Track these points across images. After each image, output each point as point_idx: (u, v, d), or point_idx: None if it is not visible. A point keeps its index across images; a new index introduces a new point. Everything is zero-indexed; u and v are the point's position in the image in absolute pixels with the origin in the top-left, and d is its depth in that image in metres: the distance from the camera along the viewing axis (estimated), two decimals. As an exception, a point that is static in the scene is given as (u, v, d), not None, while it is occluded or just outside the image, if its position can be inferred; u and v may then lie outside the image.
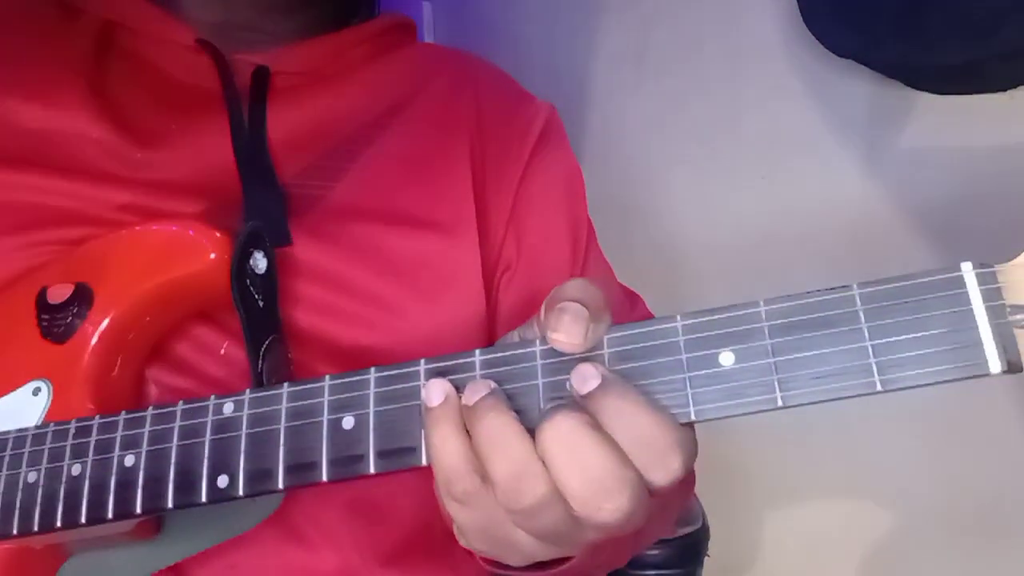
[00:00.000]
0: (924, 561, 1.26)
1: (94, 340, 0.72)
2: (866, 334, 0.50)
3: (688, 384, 0.53)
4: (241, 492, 0.60)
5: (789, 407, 0.51)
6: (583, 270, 0.96)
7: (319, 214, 0.85)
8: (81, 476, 0.64)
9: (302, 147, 0.89)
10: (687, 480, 0.53)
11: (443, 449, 0.54)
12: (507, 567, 0.64)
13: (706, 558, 1.36)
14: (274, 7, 0.95)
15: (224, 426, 0.62)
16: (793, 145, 1.39)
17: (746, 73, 1.46)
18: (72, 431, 0.66)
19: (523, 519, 0.53)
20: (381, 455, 0.58)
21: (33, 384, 0.71)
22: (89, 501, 0.63)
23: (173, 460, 0.62)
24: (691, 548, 1.33)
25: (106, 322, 0.72)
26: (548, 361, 0.56)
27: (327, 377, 0.61)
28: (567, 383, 0.54)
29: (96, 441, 0.65)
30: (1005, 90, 1.17)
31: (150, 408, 0.64)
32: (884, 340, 0.50)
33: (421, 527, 0.84)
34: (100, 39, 0.90)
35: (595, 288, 0.56)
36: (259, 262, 0.76)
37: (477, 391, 0.54)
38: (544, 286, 0.90)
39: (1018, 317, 0.49)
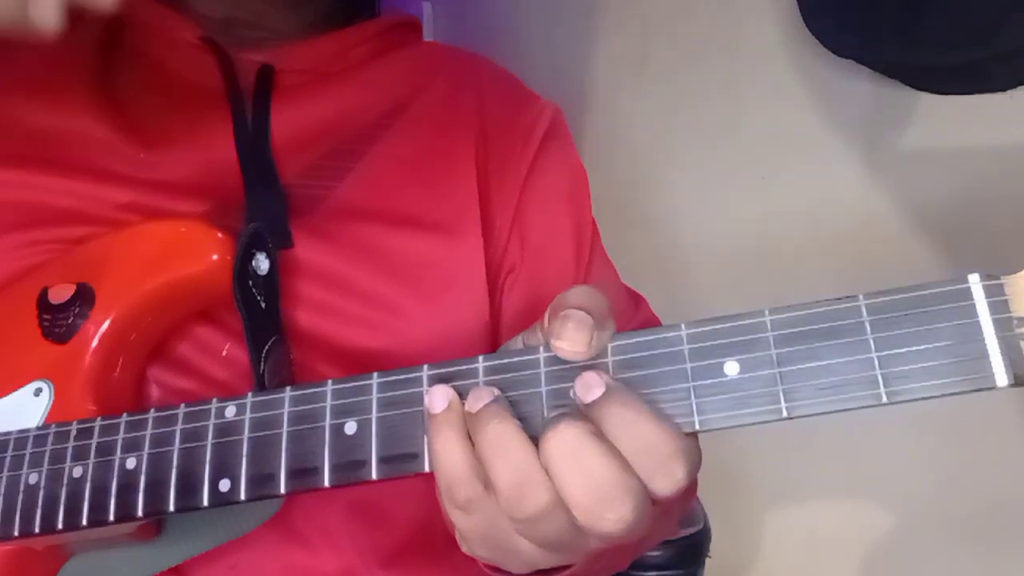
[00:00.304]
0: (925, 563, 1.26)
1: (96, 340, 0.72)
2: (872, 345, 0.50)
3: (692, 393, 0.53)
4: (243, 496, 0.60)
5: (794, 418, 0.51)
6: (587, 271, 0.96)
7: (321, 214, 0.85)
8: (83, 478, 0.64)
9: (305, 146, 0.89)
10: (689, 486, 0.53)
11: (446, 456, 0.54)
12: (508, 573, 0.64)
13: (707, 559, 1.36)
14: (279, 3, 0.95)
15: (226, 429, 0.62)
16: (793, 145, 1.39)
17: (746, 73, 1.45)
18: (74, 433, 0.66)
19: (525, 527, 0.53)
20: (383, 461, 0.58)
21: (34, 384, 0.71)
22: (90, 503, 0.63)
23: (175, 463, 0.62)
24: (692, 549, 1.33)
25: (108, 322, 0.72)
26: (552, 368, 0.56)
27: (329, 382, 0.61)
28: (571, 391, 0.54)
29: (98, 443, 0.65)
30: (1005, 90, 1.17)
31: (152, 410, 0.64)
32: (890, 352, 0.50)
33: (422, 529, 0.84)
34: (104, 36, 0.90)
35: (599, 295, 0.56)
36: (261, 263, 0.76)
37: (480, 398, 0.54)
38: (548, 287, 0.90)
39: (1025, 330, 0.49)
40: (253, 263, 0.75)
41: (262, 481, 0.60)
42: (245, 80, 0.89)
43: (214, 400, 0.63)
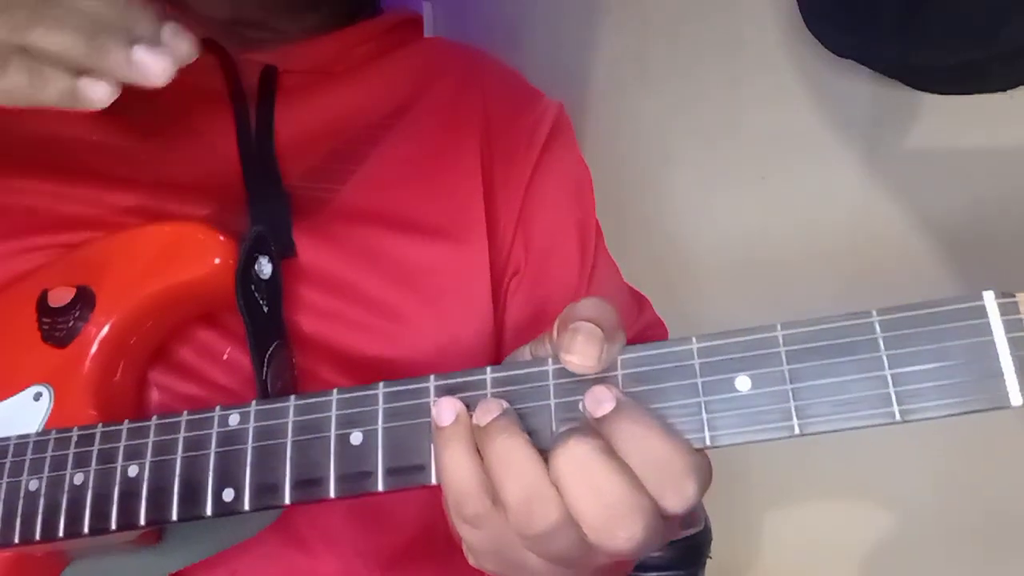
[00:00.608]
0: (926, 565, 1.27)
1: (96, 344, 0.71)
2: (885, 362, 0.50)
3: (703, 409, 0.52)
4: (247, 506, 0.59)
5: (806, 435, 0.51)
6: (592, 273, 0.96)
7: (324, 217, 0.84)
8: (84, 485, 0.63)
9: (309, 147, 0.88)
10: None
11: (454, 470, 0.54)
12: None
13: (708, 560, 1.36)
14: (283, 5, 0.94)
15: (230, 438, 0.61)
16: (793, 145, 1.38)
17: (747, 74, 1.45)
18: (74, 439, 0.65)
19: (534, 543, 0.53)
20: (390, 472, 0.57)
21: (34, 389, 0.70)
22: (92, 511, 0.63)
23: (178, 472, 0.62)
24: (693, 550, 1.33)
25: (108, 326, 0.72)
26: (560, 381, 0.55)
27: (335, 391, 0.60)
28: (580, 404, 0.54)
29: (99, 450, 0.64)
30: (1005, 90, 1.17)
31: (154, 418, 0.64)
32: (903, 369, 0.49)
33: (423, 532, 0.83)
34: None
35: (609, 307, 0.55)
36: (264, 267, 0.75)
37: (489, 411, 0.54)
38: (553, 290, 0.90)
39: (1040, 348, 0.48)
40: (256, 267, 0.75)
41: (266, 491, 0.59)
42: (248, 82, 0.89)
43: (217, 408, 0.62)
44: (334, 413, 0.59)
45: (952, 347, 0.49)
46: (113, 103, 0.85)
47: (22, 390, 0.71)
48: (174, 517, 0.61)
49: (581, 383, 0.55)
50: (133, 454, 0.63)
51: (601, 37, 1.66)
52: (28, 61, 0.62)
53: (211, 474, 0.61)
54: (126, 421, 0.64)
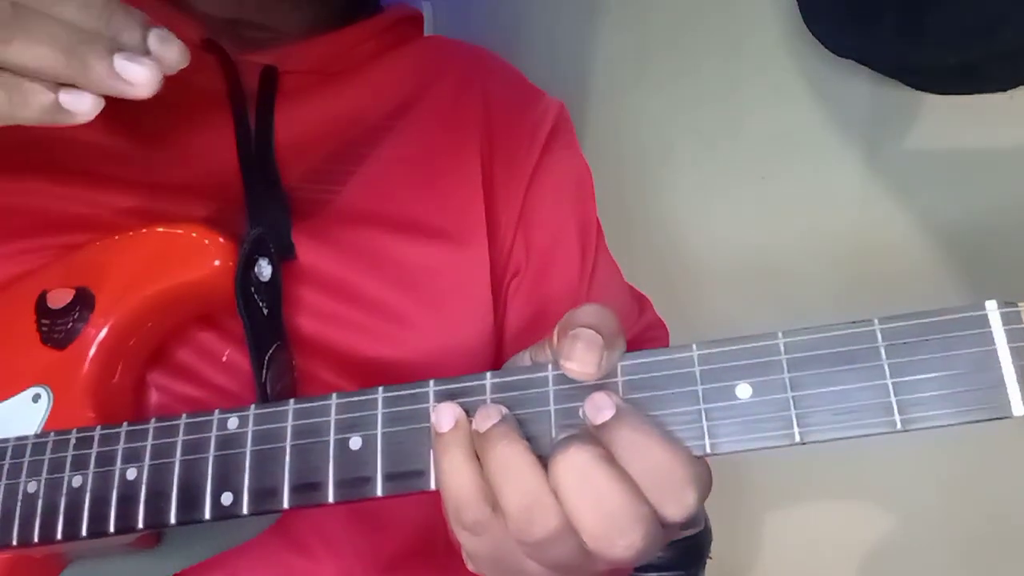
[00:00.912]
0: (926, 567, 1.27)
1: (95, 346, 0.71)
2: (887, 371, 0.50)
3: (704, 416, 0.52)
4: (246, 511, 0.59)
5: (807, 443, 0.51)
6: (592, 273, 0.96)
7: (324, 219, 0.84)
8: (82, 488, 0.63)
9: (309, 148, 0.88)
10: None
11: (453, 477, 0.54)
12: None
13: (708, 560, 1.36)
14: (284, 1, 0.94)
15: (228, 442, 0.61)
16: (793, 146, 1.39)
17: (747, 74, 1.45)
18: (73, 441, 0.65)
19: (534, 550, 0.53)
20: (389, 478, 0.57)
21: (32, 390, 0.70)
22: (90, 514, 0.63)
23: (176, 475, 0.61)
24: (693, 550, 1.33)
25: (107, 327, 0.71)
26: (560, 387, 0.55)
27: (334, 395, 0.60)
28: (580, 410, 0.54)
29: (97, 453, 0.64)
30: (1005, 90, 1.17)
31: (153, 420, 0.64)
32: (905, 378, 0.49)
33: (422, 535, 0.83)
34: None
35: (609, 313, 0.55)
36: (264, 269, 0.75)
37: (489, 417, 0.53)
38: (554, 291, 0.90)
39: (1042, 358, 0.48)
40: (255, 269, 0.74)
41: (265, 495, 0.59)
42: (248, 83, 0.88)
43: (216, 411, 0.62)
44: (333, 417, 0.59)
45: (954, 356, 0.49)
46: (113, 104, 0.85)
47: (21, 391, 0.70)
48: (172, 521, 0.61)
49: (581, 389, 0.55)
50: (131, 457, 0.63)
51: (601, 37, 1.66)
52: (6, 77, 0.60)
53: (210, 478, 0.61)
54: (124, 423, 0.64)
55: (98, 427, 0.65)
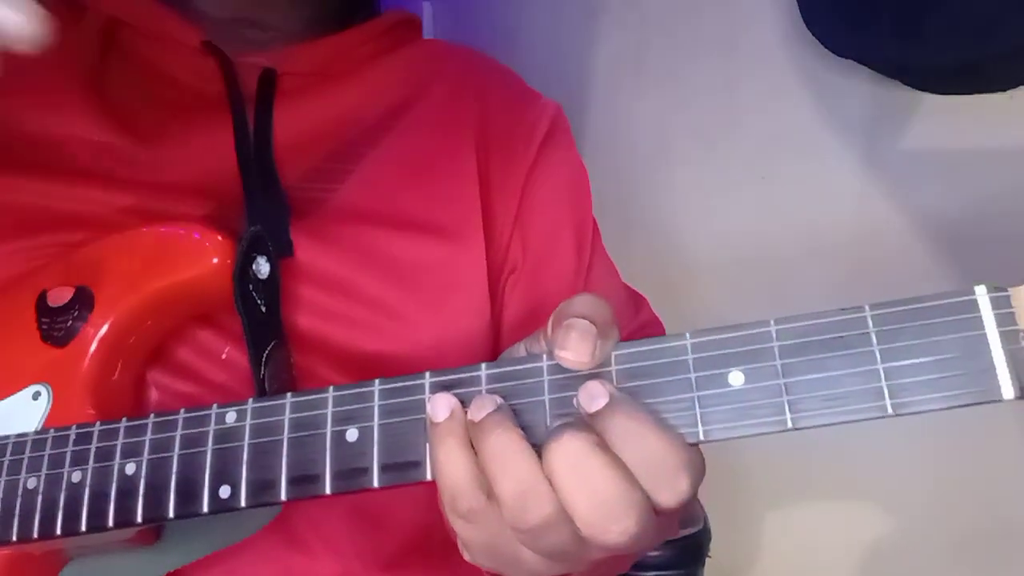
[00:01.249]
0: (925, 567, 1.27)
1: (94, 344, 0.71)
2: (878, 357, 0.50)
3: (697, 403, 0.53)
4: (244, 503, 0.60)
5: (799, 429, 0.51)
6: (588, 271, 0.96)
7: (322, 217, 0.85)
8: (81, 483, 0.64)
9: (307, 149, 0.88)
10: None
11: (448, 465, 0.54)
12: None
13: (707, 559, 1.36)
14: (283, 2, 0.95)
15: (226, 436, 0.61)
16: (793, 145, 1.39)
17: (746, 73, 1.45)
18: (72, 437, 0.65)
19: (528, 538, 0.53)
20: (385, 469, 0.57)
21: (33, 388, 0.71)
22: (89, 509, 0.63)
23: (174, 469, 0.62)
24: (692, 549, 1.33)
25: (107, 326, 0.72)
26: (555, 377, 0.56)
27: (330, 388, 0.60)
28: (574, 399, 0.54)
29: (97, 448, 0.64)
30: (1005, 90, 1.17)
31: (151, 415, 0.64)
32: (896, 363, 0.50)
33: (421, 532, 0.84)
34: (104, 38, 0.89)
35: (603, 303, 0.55)
36: (262, 267, 0.75)
37: (483, 407, 0.54)
38: (550, 288, 0.90)
39: (1032, 342, 0.48)
40: (253, 267, 0.75)
41: (263, 488, 0.59)
42: (247, 84, 0.89)
43: (214, 406, 0.62)
44: (330, 410, 0.59)
45: (944, 341, 0.49)
46: (114, 104, 0.86)
47: (21, 389, 0.71)
48: (171, 514, 0.61)
49: (575, 378, 0.55)
50: (130, 452, 0.63)
51: (600, 37, 1.67)
52: None
53: (208, 471, 0.61)
54: (123, 419, 0.65)
55: (97, 423, 0.65)
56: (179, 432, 0.63)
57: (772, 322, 0.53)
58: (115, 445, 0.64)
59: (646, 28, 1.60)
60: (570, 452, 0.50)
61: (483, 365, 0.58)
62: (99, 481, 0.63)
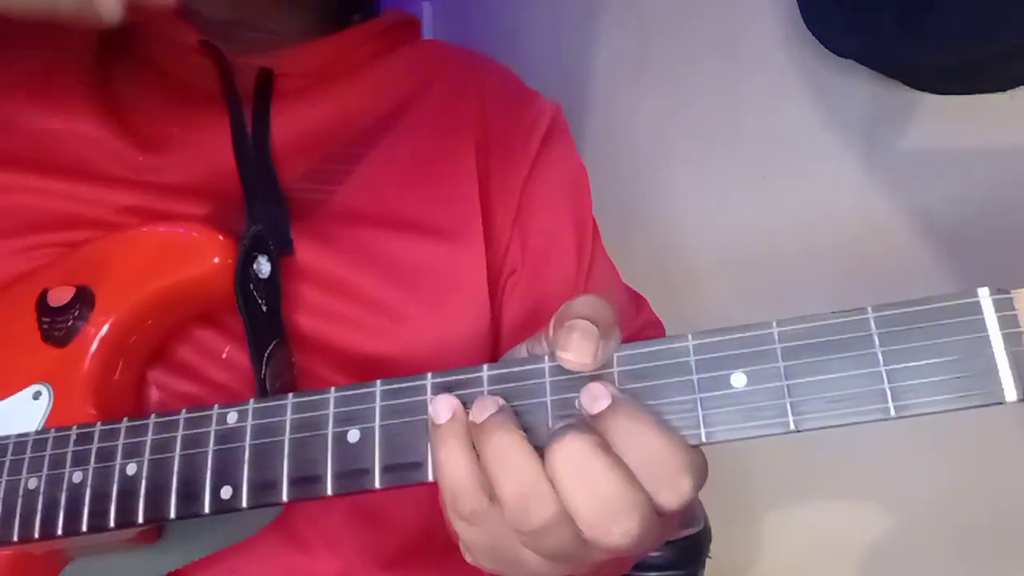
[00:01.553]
0: (926, 567, 1.26)
1: (95, 343, 0.71)
2: (880, 359, 0.50)
3: (699, 405, 0.53)
4: (245, 504, 0.60)
5: (802, 431, 0.51)
6: (589, 272, 0.96)
7: (322, 218, 0.85)
8: (82, 484, 0.64)
9: (306, 150, 0.88)
10: None
11: (450, 467, 0.54)
12: None
13: (708, 559, 1.36)
14: (281, 3, 0.95)
15: (228, 436, 0.61)
16: (793, 145, 1.39)
17: (746, 73, 1.45)
18: (73, 437, 0.65)
19: (531, 540, 0.53)
20: (387, 470, 0.57)
21: (33, 388, 0.71)
22: (90, 509, 0.63)
23: (176, 470, 0.62)
24: (693, 550, 1.33)
25: (107, 325, 0.72)
26: (557, 378, 0.56)
27: (332, 389, 0.60)
28: (576, 401, 0.54)
29: (98, 448, 0.64)
30: (1005, 90, 1.17)
31: (152, 416, 0.64)
32: (898, 365, 0.50)
33: (422, 531, 0.84)
34: (104, 38, 0.89)
35: (605, 304, 0.55)
36: (263, 266, 0.75)
37: (485, 408, 0.54)
38: (550, 289, 0.90)
39: (1035, 344, 0.48)
40: (254, 266, 0.75)
41: (264, 489, 0.60)
42: (245, 85, 0.89)
43: (215, 406, 0.62)
44: (331, 411, 0.59)
45: (947, 343, 0.49)
46: (114, 103, 0.86)
47: (21, 389, 0.71)
48: (172, 515, 0.61)
49: (577, 380, 0.55)
50: (131, 452, 0.63)
51: (600, 37, 1.67)
52: None
53: (209, 472, 0.61)
54: (125, 419, 0.65)
55: (98, 423, 0.65)
56: (180, 432, 0.63)
57: (774, 323, 0.53)
58: (116, 445, 0.64)
59: (646, 28, 1.59)
60: (572, 453, 0.50)
61: (485, 366, 0.58)
62: (100, 481, 0.63)
